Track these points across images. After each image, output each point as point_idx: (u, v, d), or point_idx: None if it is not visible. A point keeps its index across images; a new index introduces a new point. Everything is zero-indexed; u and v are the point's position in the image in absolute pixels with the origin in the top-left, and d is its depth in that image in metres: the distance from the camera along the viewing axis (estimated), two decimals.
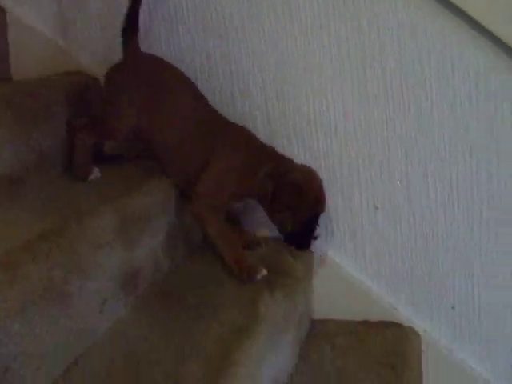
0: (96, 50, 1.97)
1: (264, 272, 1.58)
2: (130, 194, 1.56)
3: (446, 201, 1.75)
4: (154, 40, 1.90)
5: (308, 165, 1.72)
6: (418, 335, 1.82)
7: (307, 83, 1.77)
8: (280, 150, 1.75)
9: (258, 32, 1.78)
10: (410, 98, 1.70)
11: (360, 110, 1.74)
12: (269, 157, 1.68)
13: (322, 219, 1.70)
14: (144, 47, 1.80)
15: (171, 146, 1.70)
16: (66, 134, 1.74)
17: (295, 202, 1.60)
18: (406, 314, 1.85)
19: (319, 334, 1.82)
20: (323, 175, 1.74)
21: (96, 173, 1.69)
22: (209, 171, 1.65)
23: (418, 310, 1.85)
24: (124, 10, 1.73)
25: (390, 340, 1.77)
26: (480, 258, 1.77)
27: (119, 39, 1.75)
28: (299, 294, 1.69)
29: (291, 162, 1.69)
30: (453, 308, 1.82)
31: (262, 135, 1.80)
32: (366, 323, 1.84)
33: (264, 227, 1.82)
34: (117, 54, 1.76)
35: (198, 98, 1.75)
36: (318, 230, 1.70)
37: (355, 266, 1.86)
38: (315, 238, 1.68)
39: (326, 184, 1.73)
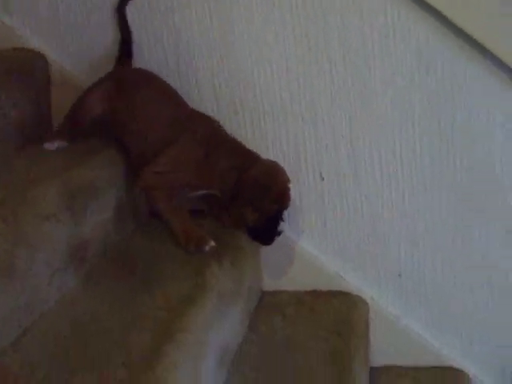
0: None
1: (212, 243, 1.55)
2: (78, 166, 1.55)
3: (391, 170, 1.78)
4: None
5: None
6: (365, 303, 1.86)
7: (252, 53, 1.77)
8: (226, 121, 1.77)
9: (203, 2, 1.78)
10: (353, 68, 1.72)
11: (304, 79, 1.76)
12: (234, 151, 1.66)
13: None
14: None
15: (137, 134, 1.70)
16: None
17: (258, 197, 1.58)
18: (353, 282, 1.89)
19: (269, 305, 1.84)
20: (269, 146, 1.77)
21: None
22: (165, 153, 1.63)
23: (366, 278, 1.88)
24: None
25: (338, 308, 1.79)
26: (425, 226, 1.80)
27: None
28: (247, 266, 1.71)
29: (257, 156, 1.67)
30: (399, 275, 1.86)
31: (209, 106, 1.82)
32: (314, 293, 1.87)
33: None
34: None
35: (173, 95, 1.77)
36: (282, 226, 1.68)
37: (302, 237, 1.88)
38: (279, 234, 1.65)
39: (271, 155, 1.77)
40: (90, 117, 1.74)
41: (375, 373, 1.86)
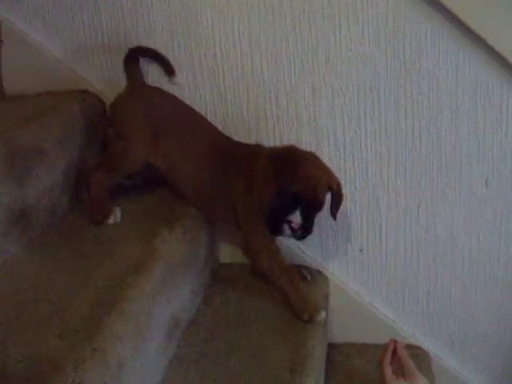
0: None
1: (323, 315, 1.58)
2: (23, 127, 1.48)
3: (354, 141, 1.72)
4: None
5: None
6: (325, 278, 1.80)
7: (214, 18, 1.69)
8: (186, 87, 1.74)
9: None
10: (319, 34, 1.66)
11: (267, 45, 1.69)
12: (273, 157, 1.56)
13: None
14: None
15: (190, 182, 1.64)
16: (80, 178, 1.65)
17: (286, 178, 1.48)
18: (313, 257, 1.84)
19: (224, 278, 1.79)
20: (229, 112, 1.72)
21: (117, 214, 1.59)
22: (239, 207, 1.60)
23: (326, 253, 1.84)
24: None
25: None
26: (387, 200, 1.76)
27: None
28: (202, 236, 1.64)
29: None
30: (361, 251, 1.81)
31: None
32: None
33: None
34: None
35: (209, 129, 1.69)
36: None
37: None
38: (308, 233, 1.53)
39: (231, 122, 1.73)
40: (133, 171, 1.65)
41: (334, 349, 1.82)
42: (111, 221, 1.56)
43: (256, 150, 1.62)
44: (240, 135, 1.74)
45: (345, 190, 1.63)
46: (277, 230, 1.50)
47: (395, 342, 1.57)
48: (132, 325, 1.18)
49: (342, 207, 1.61)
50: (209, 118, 1.72)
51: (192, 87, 1.76)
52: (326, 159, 1.66)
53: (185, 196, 1.65)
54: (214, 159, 1.62)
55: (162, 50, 1.74)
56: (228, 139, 1.68)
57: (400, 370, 1.54)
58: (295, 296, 1.58)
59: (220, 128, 1.71)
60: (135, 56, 1.71)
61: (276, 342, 1.48)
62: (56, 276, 1.31)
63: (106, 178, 1.60)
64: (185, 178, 1.63)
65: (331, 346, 1.81)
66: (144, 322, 1.23)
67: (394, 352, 1.57)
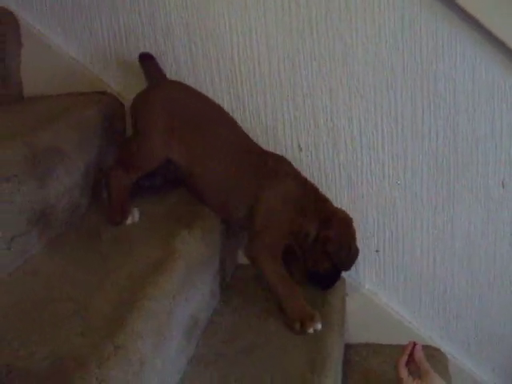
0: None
1: (319, 326, 1.54)
2: (44, 128, 1.49)
3: (371, 142, 1.73)
4: None
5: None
6: (342, 279, 1.80)
7: (231, 20, 1.70)
8: (204, 91, 1.73)
9: None
10: (336, 35, 1.66)
11: (284, 47, 1.69)
12: (312, 191, 1.65)
13: None
14: None
15: (211, 179, 1.63)
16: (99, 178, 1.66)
17: (338, 253, 1.62)
18: None
19: (243, 278, 1.79)
20: (246, 114, 1.72)
21: (135, 214, 1.59)
22: (261, 206, 1.60)
23: None
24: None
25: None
26: (404, 201, 1.76)
27: None
28: (219, 237, 1.65)
29: (331, 206, 1.67)
30: (377, 252, 1.82)
31: (185, 73, 1.77)
32: None
33: None
34: None
35: (235, 127, 1.69)
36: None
37: None
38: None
39: (249, 125, 1.75)
40: (152, 167, 1.63)
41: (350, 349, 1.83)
42: (129, 221, 1.56)
43: (283, 162, 1.67)
44: (258, 137, 1.75)
45: (362, 191, 1.68)
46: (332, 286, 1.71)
47: (414, 343, 1.57)
48: (153, 323, 1.19)
49: (358, 204, 1.75)
50: None
51: (210, 89, 1.76)
52: (342, 160, 1.69)
53: (199, 191, 1.64)
54: (237, 157, 1.62)
55: (180, 53, 1.74)
56: (251, 140, 1.69)
57: (417, 372, 1.55)
58: (289, 306, 1.56)
59: None
60: (149, 55, 1.71)
61: (295, 343, 1.48)
62: (76, 275, 1.31)
63: (125, 176, 1.59)
64: (203, 173, 1.61)
65: (348, 347, 1.82)
66: (165, 321, 1.24)
67: (411, 354, 1.57)
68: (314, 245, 1.61)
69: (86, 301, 1.21)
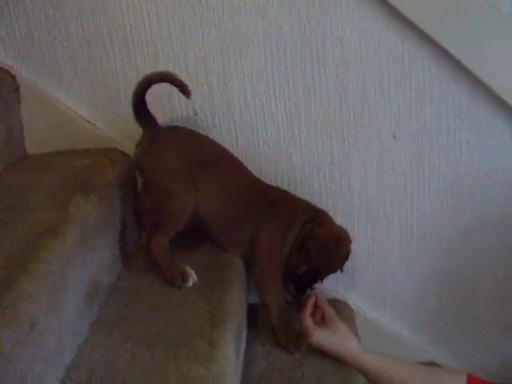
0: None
1: (309, 344, 1.60)
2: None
3: (264, 102, 1.78)
4: None
5: None
6: None
7: None
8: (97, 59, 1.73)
9: None
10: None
11: (174, 13, 1.71)
12: (306, 209, 1.68)
13: None
14: None
15: (216, 217, 1.62)
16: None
17: (321, 258, 1.62)
18: None
19: None
20: None
21: (193, 275, 1.57)
22: (261, 238, 1.63)
23: None
24: None
25: None
26: (301, 158, 1.83)
27: None
28: (119, 203, 1.65)
29: (327, 215, 1.70)
30: None
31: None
32: None
33: None
34: None
35: (237, 165, 1.69)
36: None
37: None
38: (312, 289, 1.73)
39: None
40: (186, 219, 1.61)
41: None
42: (190, 283, 1.56)
43: (289, 197, 1.71)
44: (152, 105, 1.69)
45: (259, 150, 1.74)
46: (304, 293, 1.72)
47: (316, 295, 1.62)
48: (43, 284, 1.18)
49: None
50: None
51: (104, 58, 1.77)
52: (238, 122, 1.71)
53: (203, 227, 1.65)
54: (245, 194, 1.65)
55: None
56: (253, 175, 1.72)
57: (322, 321, 1.60)
58: (281, 333, 1.63)
59: None
60: (142, 99, 1.62)
61: (196, 301, 1.50)
62: None
63: (163, 239, 1.59)
64: (208, 212, 1.61)
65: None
66: (58, 283, 1.24)
67: (315, 305, 1.62)
68: (300, 246, 1.64)
69: None
